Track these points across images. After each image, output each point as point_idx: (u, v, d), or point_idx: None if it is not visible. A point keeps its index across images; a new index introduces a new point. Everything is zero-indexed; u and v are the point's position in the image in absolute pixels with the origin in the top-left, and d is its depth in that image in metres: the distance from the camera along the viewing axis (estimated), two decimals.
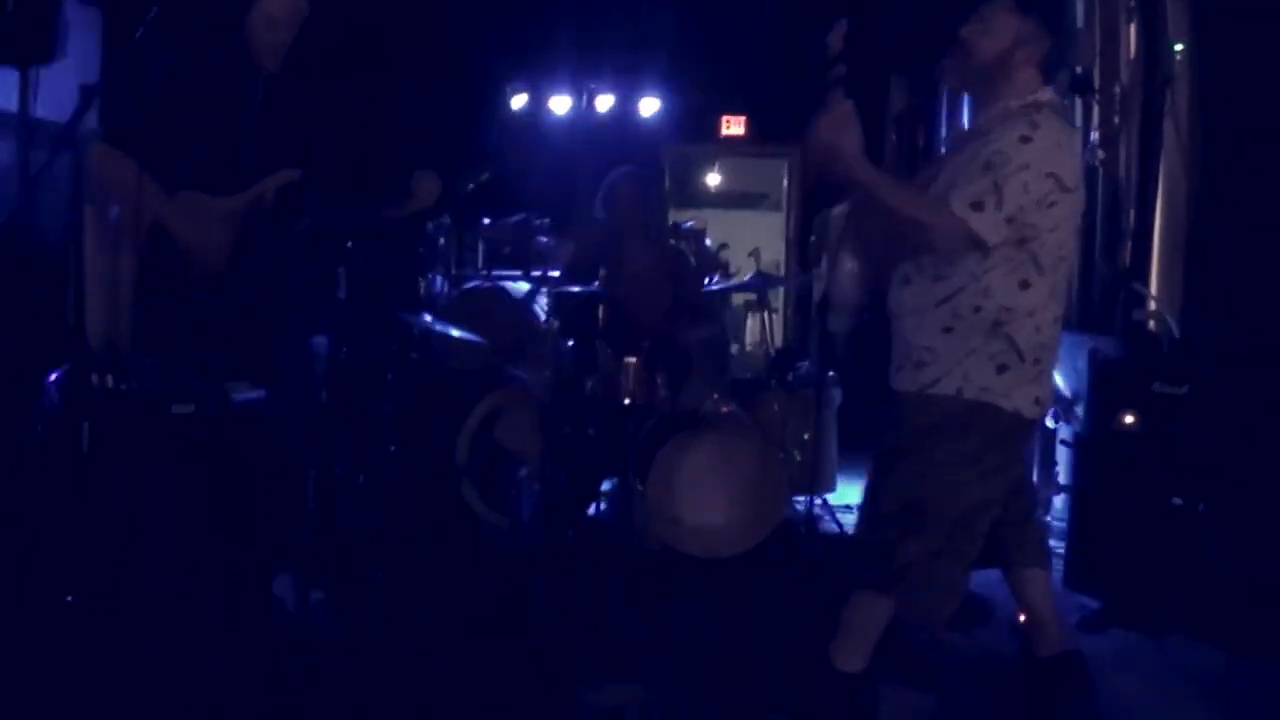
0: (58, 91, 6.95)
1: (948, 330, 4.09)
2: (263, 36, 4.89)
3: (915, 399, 4.15)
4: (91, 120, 4.69)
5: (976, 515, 4.17)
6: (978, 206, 3.93)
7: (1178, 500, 5.74)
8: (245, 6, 4.90)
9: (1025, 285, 4.03)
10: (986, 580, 4.90)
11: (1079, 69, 7.18)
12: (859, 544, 4.40)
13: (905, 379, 4.19)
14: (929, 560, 4.13)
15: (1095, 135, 7.22)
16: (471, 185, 4.96)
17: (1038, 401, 4.16)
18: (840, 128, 4.05)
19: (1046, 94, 4.14)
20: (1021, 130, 3.98)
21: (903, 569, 4.16)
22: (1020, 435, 4.22)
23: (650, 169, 8.07)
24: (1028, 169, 3.93)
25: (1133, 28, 7.22)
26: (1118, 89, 7.25)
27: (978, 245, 3.95)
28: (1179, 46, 6.78)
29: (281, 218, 4.92)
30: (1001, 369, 4.07)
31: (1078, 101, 7.31)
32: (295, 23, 4.99)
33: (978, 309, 4.05)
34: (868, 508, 4.33)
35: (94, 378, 4.36)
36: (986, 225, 3.93)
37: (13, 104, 6.71)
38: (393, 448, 6.70)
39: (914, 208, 4.08)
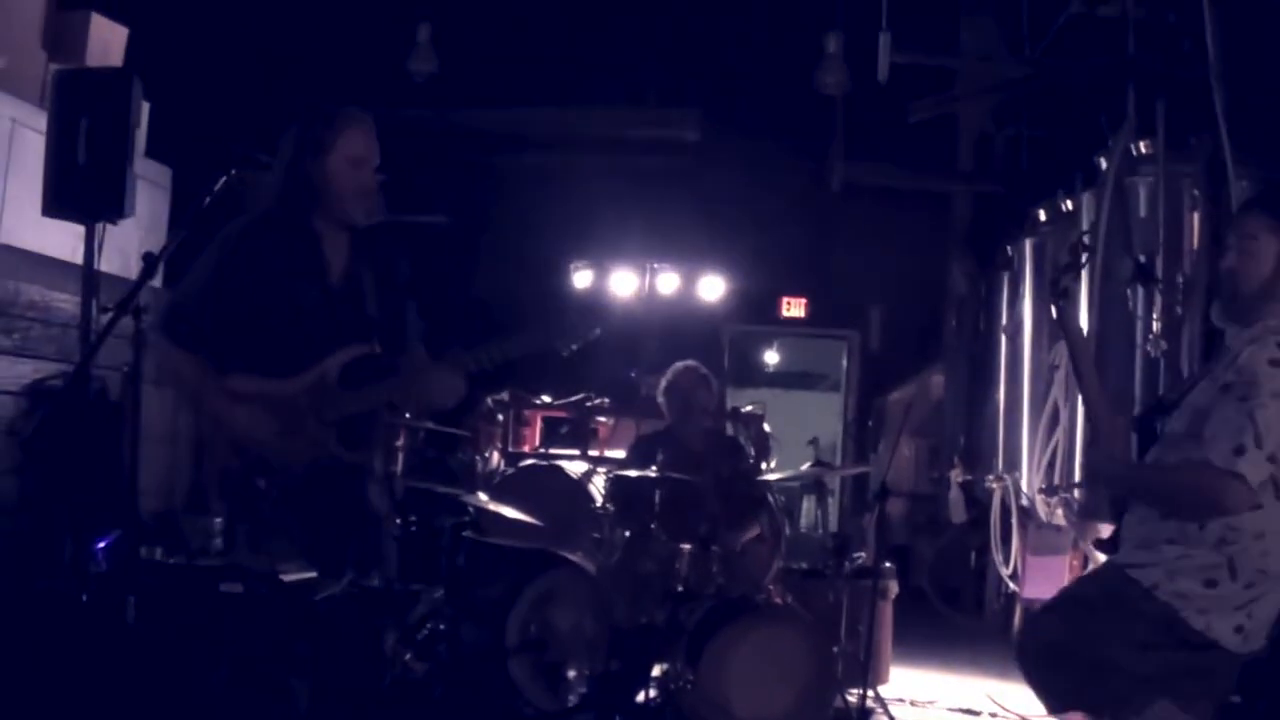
0: (123, 245, 7.09)
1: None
2: (348, 181, 4.70)
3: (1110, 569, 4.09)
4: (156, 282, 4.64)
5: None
6: (1240, 451, 3.72)
7: None
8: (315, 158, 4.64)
9: (1256, 506, 3.81)
10: None
11: (1142, 258, 7.18)
12: None
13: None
14: None
15: (1157, 325, 7.18)
16: (575, 345, 4.74)
17: (1239, 631, 3.88)
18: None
19: None
20: (1271, 353, 3.80)
21: None
22: (1211, 661, 3.92)
23: (715, 352, 8.12)
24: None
25: (1196, 215, 7.22)
26: (1180, 278, 7.23)
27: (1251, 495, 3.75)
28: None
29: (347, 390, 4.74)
30: (1210, 584, 3.86)
31: (1139, 291, 7.28)
32: (375, 162, 4.76)
33: (1202, 526, 3.87)
34: None
35: (143, 549, 4.33)
36: (1251, 469, 3.71)
37: (79, 256, 6.85)
38: (444, 625, 6.67)
39: (1179, 485, 3.93)
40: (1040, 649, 4.13)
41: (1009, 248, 9.96)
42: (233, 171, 4.50)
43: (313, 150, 4.55)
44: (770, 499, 7.59)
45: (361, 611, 4.82)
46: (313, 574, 4.40)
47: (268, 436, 4.47)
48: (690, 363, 7.57)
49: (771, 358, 14.15)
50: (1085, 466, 4.09)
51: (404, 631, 6.61)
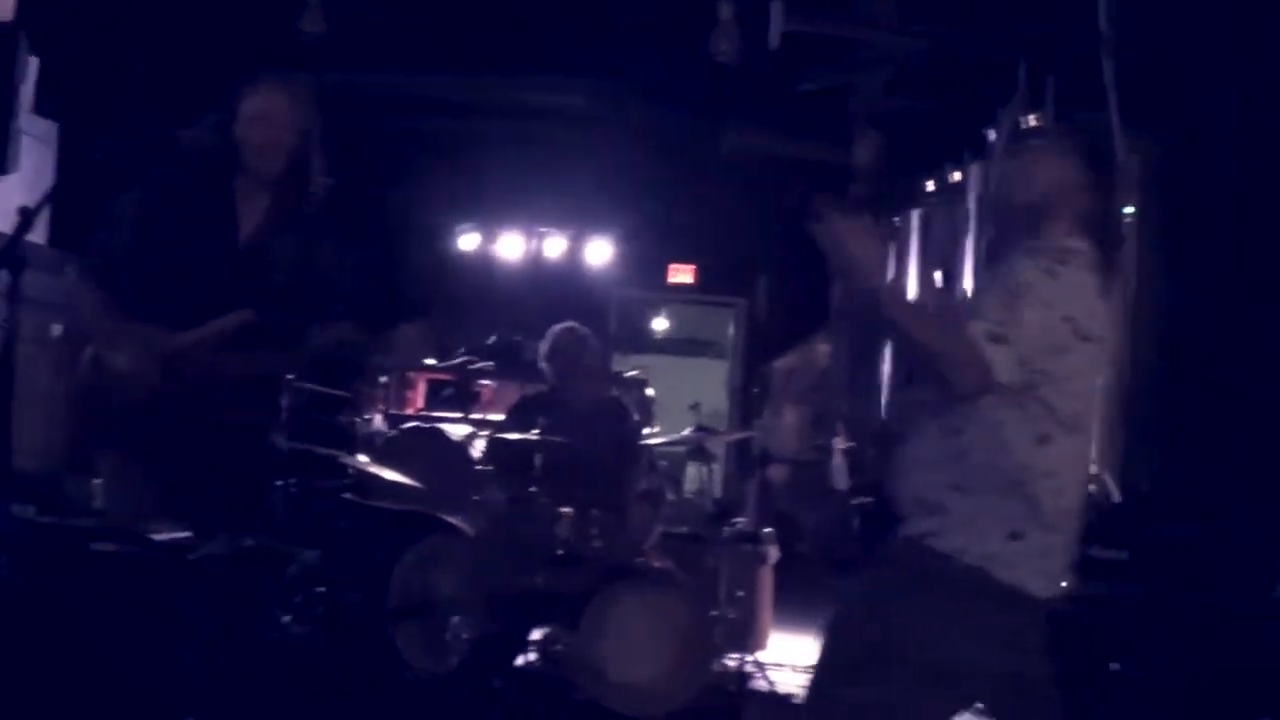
0: (7, 202, 6.95)
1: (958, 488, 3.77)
2: (247, 137, 4.75)
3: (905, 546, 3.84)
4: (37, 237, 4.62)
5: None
6: (997, 339, 3.60)
7: (1115, 665, 5.67)
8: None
9: (1045, 440, 3.74)
10: None
11: None
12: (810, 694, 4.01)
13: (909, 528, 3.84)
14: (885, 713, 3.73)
15: None
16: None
17: (1045, 575, 3.80)
18: (863, 239, 3.69)
19: (1082, 244, 3.85)
20: (1047, 264, 3.72)
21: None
22: (1026, 614, 3.81)
23: (595, 324, 8.11)
24: (1050, 307, 3.65)
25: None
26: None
27: (989, 387, 3.62)
28: (1129, 209, 6.84)
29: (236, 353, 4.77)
30: (1014, 535, 3.74)
31: None
32: (289, 121, 4.82)
33: (990, 467, 3.73)
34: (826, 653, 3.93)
35: (15, 507, 4.26)
36: (1000, 364, 3.59)
37: None
38: (322, 589, 6.62)
39: (930, 334, 3.69)
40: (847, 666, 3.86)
41: (895, 219, 10.01)
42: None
43: (229, 112, 4.71)
44: (652, 463, 7.60)
45: (238, 572, 4.79)
46: (186, 533, 4.37)
47: (147, 388, 4.53)
48: (570, 324, 7.52)
49: (659, 324, 14.16)
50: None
51: (282, 594, 6.55)
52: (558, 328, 7.55)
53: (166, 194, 4.73)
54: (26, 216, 4.27)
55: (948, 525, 3.73)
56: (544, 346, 7.55)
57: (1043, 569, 3.77)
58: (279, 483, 6.85)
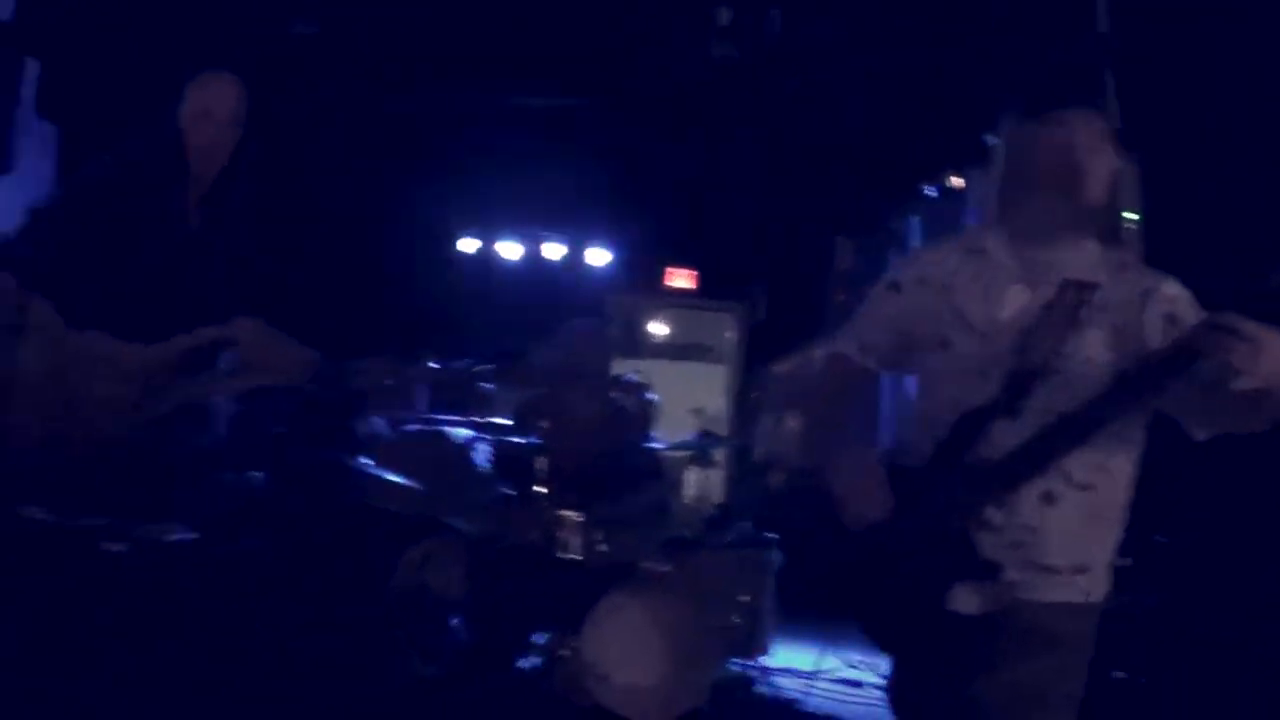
0: (7, 203, 6.94)
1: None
2: (192, 136, 4.69)
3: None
4: None
5: None
6: None
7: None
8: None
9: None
10: None
11: None
12: None
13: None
14: None
15: None
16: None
17: None
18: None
19: None
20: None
21: None
22: None
23: (602, 321, 8.09)
24: None
25: None
26: None
27: None
28: (1132, 216, 6.84)
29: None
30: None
31: None
32: (231, 118, 4.77)
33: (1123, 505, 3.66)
34: None
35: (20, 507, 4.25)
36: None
37: None
38: (321, 590, 6.61)
39: None
40: None
41: (895, 223, 10.02)
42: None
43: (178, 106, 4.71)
44: (657, 468, 7.58)
45: (242, 572, 4.79)
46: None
47: (105, 396, 4.47)
48: (590, 319, 7.47)
49: (657, 328, 14.13)
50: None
51: (287, 596, 6.55)
52: (574, 321, 7.52)
53: (103, 194, 4.63)
54: (32, 216, 4.26)
55: (1095, 579, 3.64)
56: (558, 338, 7.45)
57: None
58: (280, 485, 6.87)
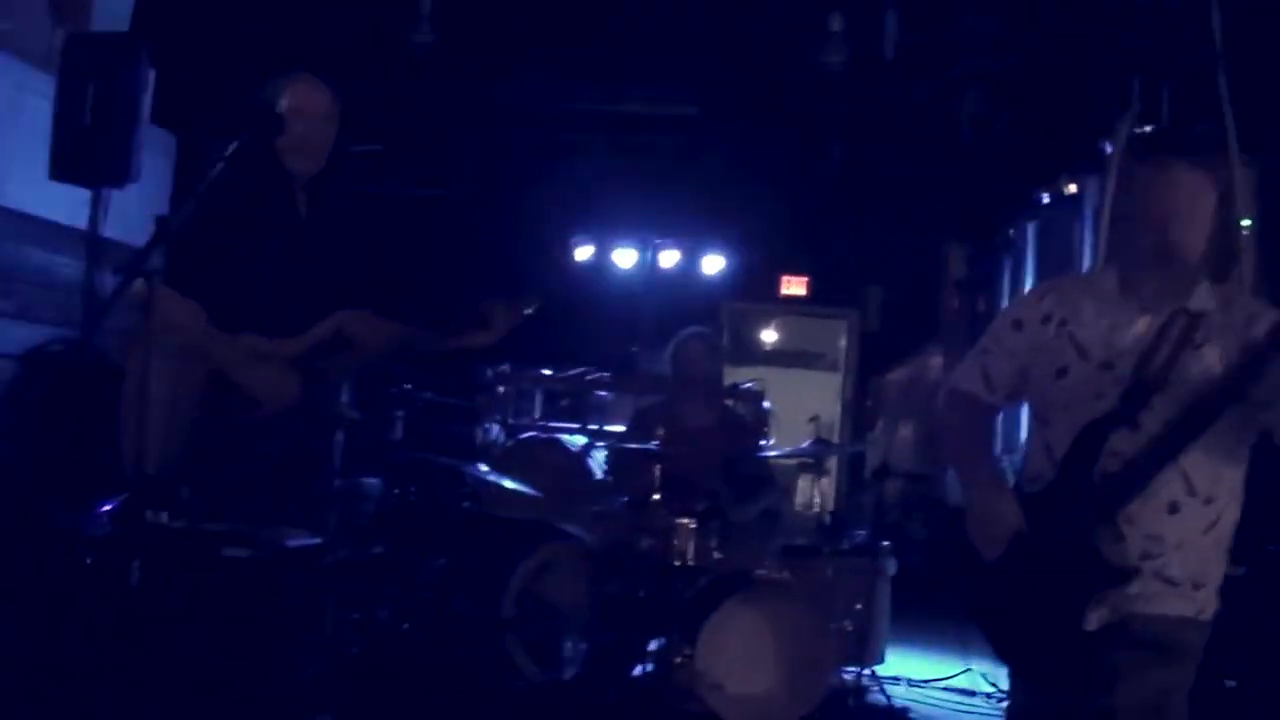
0: (126, 211, 7.08)
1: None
2: (292, 134, 4.77)
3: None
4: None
5: None
6: None
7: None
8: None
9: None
10: None
11: None
12: None
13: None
14: None
15: None
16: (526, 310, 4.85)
17: None
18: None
19: None
20: None
21: None
22: None
23: (714, 329, 8.11)
24: None
25: None
26: None
27: None
28: (1246, 221, 6.77)
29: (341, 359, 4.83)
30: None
31: None
32: (326, 118, 4.87)
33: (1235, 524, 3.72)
34: None
35: (149, 513, 4.33)
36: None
37: (83, 221, 6.84)
38: (439, 596, 6.68)
39: None
40: None
41: (1010, 230, 9.97)
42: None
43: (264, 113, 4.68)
44: (772, 476, 7.58)
45: (365, 578, 4.86)
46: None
47: (284, 396, 4.59)
48: (698, 328, 7.47)
49: (770, 336, 14.14)
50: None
51: (403, 601, 6.62)
52: (686, 331, 7.47)
53: (225, 198, 4.71)
54: (162, 226, 4.32)
55: (1208, 596, 3.68)
56: (670, 349, 7.45)
57: None
58: (397, 491, 6.96)
